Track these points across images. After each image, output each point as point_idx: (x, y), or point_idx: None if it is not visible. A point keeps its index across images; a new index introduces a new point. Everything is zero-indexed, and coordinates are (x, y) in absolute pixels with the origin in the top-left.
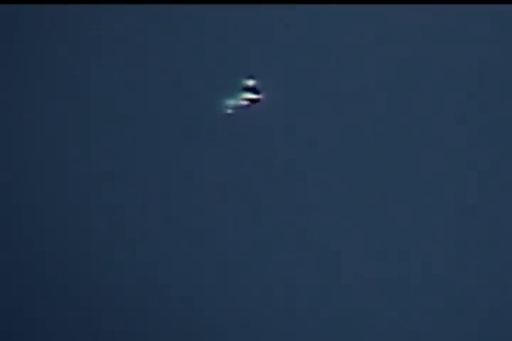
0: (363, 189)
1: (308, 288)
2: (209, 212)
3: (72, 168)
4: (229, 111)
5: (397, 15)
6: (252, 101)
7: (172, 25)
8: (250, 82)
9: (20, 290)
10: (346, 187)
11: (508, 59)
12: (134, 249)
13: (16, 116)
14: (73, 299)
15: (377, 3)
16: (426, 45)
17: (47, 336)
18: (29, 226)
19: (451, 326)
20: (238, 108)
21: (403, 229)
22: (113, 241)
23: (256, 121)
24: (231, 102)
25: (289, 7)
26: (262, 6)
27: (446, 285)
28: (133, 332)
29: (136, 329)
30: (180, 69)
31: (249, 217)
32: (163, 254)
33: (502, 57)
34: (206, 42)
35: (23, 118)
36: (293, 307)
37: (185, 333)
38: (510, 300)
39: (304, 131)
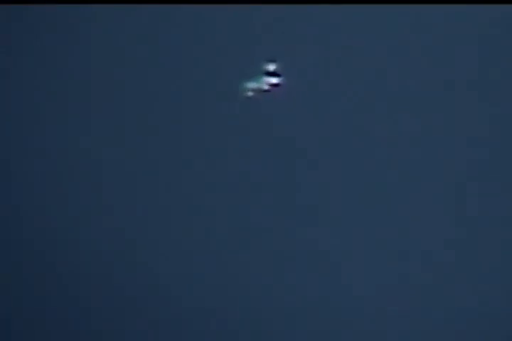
0: (379, 179)
1: (309, 288)
2: (223, 196)
3: (82, 157)
4: (249, 94)
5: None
6: (272, 85)
7: (194, 10)
8: (271, 66)
9: (19, 291)
10: (362, 180)
11: (508, 59)
12: (137, 243)
13: (16, 116)
14: (72, 299)
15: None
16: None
17: (46, 336)
18: (29, 226)
19: (452, 328)
20: (259, 91)
21: (409, 231)
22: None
23: (276, 105)
24: (251, 86)
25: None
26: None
27: (447, 287)
28: (132, 333)
29: (136, 330)
30: (202, 53)
31: (261, 206)
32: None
33: (502, 57)
34: (228, 26)
35: (22, 119)
36: (293, 308)
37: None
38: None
39: (324, 116)
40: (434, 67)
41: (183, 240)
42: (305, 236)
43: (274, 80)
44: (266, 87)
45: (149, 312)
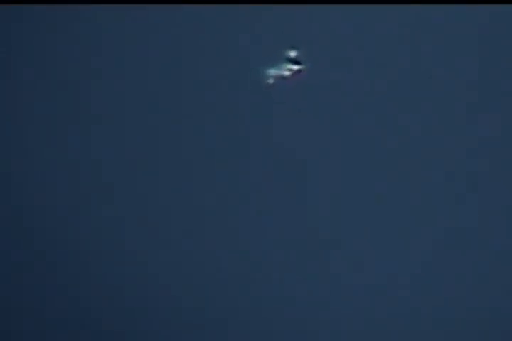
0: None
1: (309, 288)
2: (238, 183)
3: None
4: (271, 81)
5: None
6: (294, 72)
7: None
8: (293, 53)
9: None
10: (386, 168)
11: (508, 59)
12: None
13: (16, 115)
14: (73, 299)
15: None
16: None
17: (47, 336)
18: (28, 226)
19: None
20: (280, 78)
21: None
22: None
23: (297, 91)
24: (273, 72)
25: None
26: None
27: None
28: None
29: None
30: (224, 40)
31: (277, 196)
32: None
33: (502, 58)
34: (249, 13)
35: (23, 118)
36: (294, 308)
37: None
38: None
39: (345, 103)
40: (439, 65)
41: (189, 239)
42: (305, 231)
43: (295, 67)
44: (287, 74)
45: (149, 312)
